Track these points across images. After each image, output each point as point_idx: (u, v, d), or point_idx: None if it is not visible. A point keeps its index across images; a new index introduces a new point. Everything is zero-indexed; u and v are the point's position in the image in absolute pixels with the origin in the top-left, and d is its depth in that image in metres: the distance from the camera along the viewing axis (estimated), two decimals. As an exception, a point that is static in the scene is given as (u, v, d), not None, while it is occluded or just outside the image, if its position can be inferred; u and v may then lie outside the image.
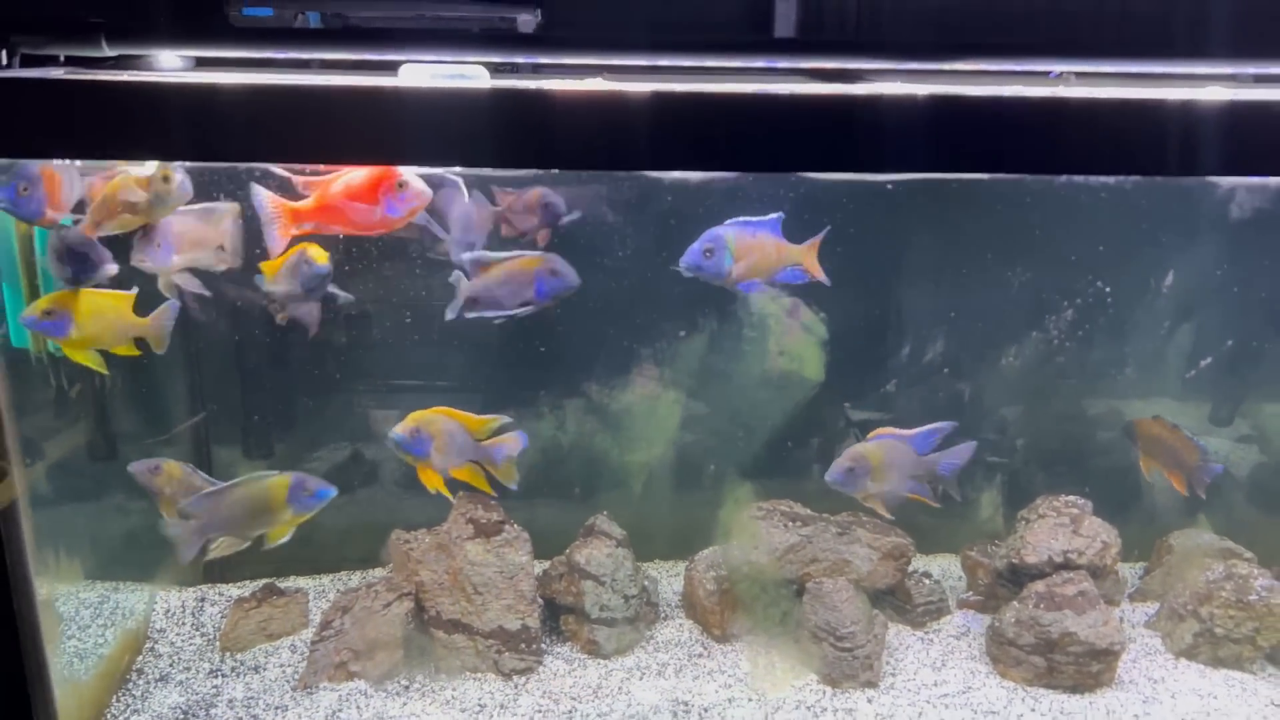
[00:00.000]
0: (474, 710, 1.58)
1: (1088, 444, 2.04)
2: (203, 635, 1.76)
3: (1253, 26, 1.88)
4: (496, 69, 1.42)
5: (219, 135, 1.26)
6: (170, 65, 1.44)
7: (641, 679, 1.65)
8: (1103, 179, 1.72)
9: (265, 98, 1.26)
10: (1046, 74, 1.53)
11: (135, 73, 1.37)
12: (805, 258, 1.48)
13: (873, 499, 1.56)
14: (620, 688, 1.63)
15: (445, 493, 1.54)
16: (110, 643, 1.66)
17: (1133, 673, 1.66)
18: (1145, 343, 1.95)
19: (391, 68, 1.36)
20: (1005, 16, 1.97)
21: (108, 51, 1.32)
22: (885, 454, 1.55)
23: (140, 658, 1.70)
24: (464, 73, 1.32)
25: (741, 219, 1.46)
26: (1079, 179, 1.71)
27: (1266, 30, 1.89)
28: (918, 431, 1.56)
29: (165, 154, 1.37)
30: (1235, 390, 2.02)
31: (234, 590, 1.88)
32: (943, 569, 1.94)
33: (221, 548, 1.48)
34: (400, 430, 1.51)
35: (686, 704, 1.58)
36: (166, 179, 1.45)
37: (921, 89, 1.33)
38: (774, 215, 1.48)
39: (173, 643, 1.75)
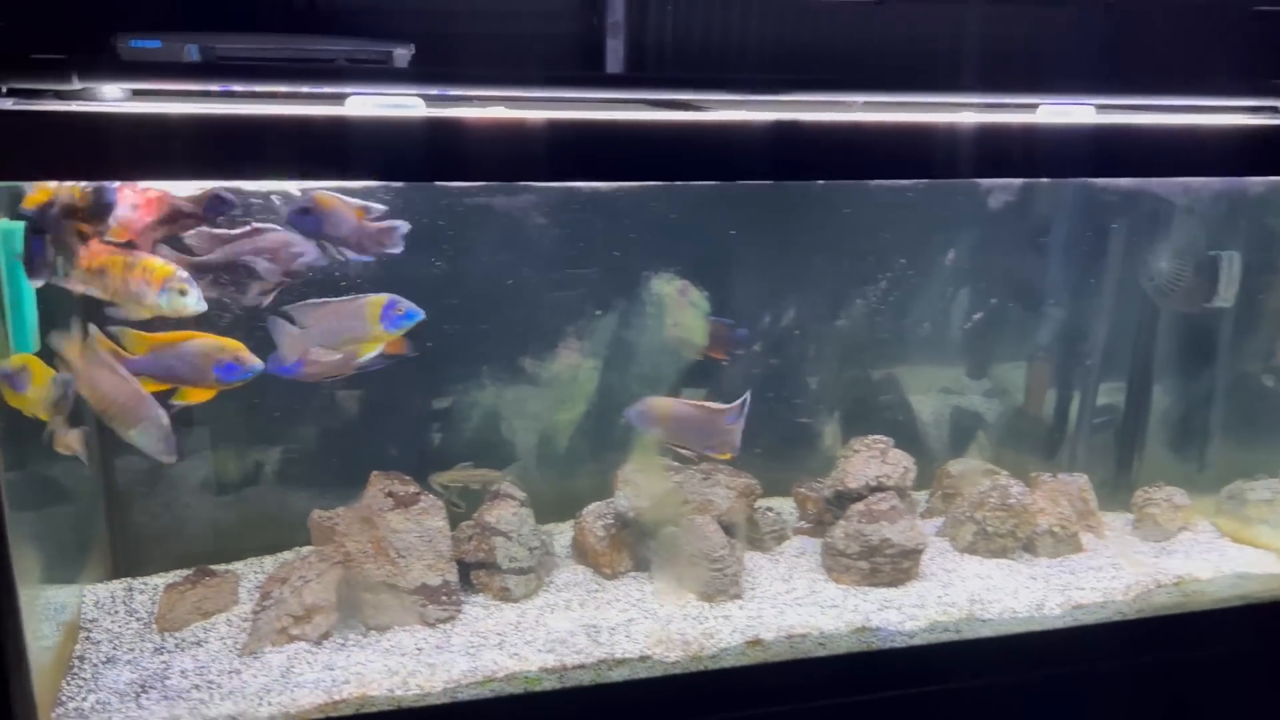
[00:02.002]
0: (413, 653, 1.81)
1: (873, 403, 2.52)
2: (138, 620, 1.88)
3: (989, 68, 2.44)
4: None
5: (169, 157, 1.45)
6: (112, 96, 1.59)
7: (553, 613, 1.94)
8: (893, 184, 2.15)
9: (225, 125, 1.46)
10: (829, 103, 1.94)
11: (90, 104, 1.52)
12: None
13: (675, 445, 1.95)
14: (537, 621, 1.91)
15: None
16: (50, 635, 1.75)
17: (932, 568, 2.13)
18: (919, 320, 2.43)
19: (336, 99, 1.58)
20: (785, 58, 2.45)
21: (77, 85, 1.48)
22: (674, 410, 1.93)
23: (78, 646, 1.81)
24: (403, 103, 1.57)
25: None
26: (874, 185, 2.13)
27: (1000, 70, 2.45)
28: (731, 406, 1.94)
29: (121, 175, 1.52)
30: (985, 352, 2.55)
31: (157, 580, 2.01)
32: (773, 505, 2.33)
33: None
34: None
35: (596, 627, 1.89)
36: (184, 292, 1.59)
37: (761, 116, 1.71)
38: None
39: (109, 630, 1.86)
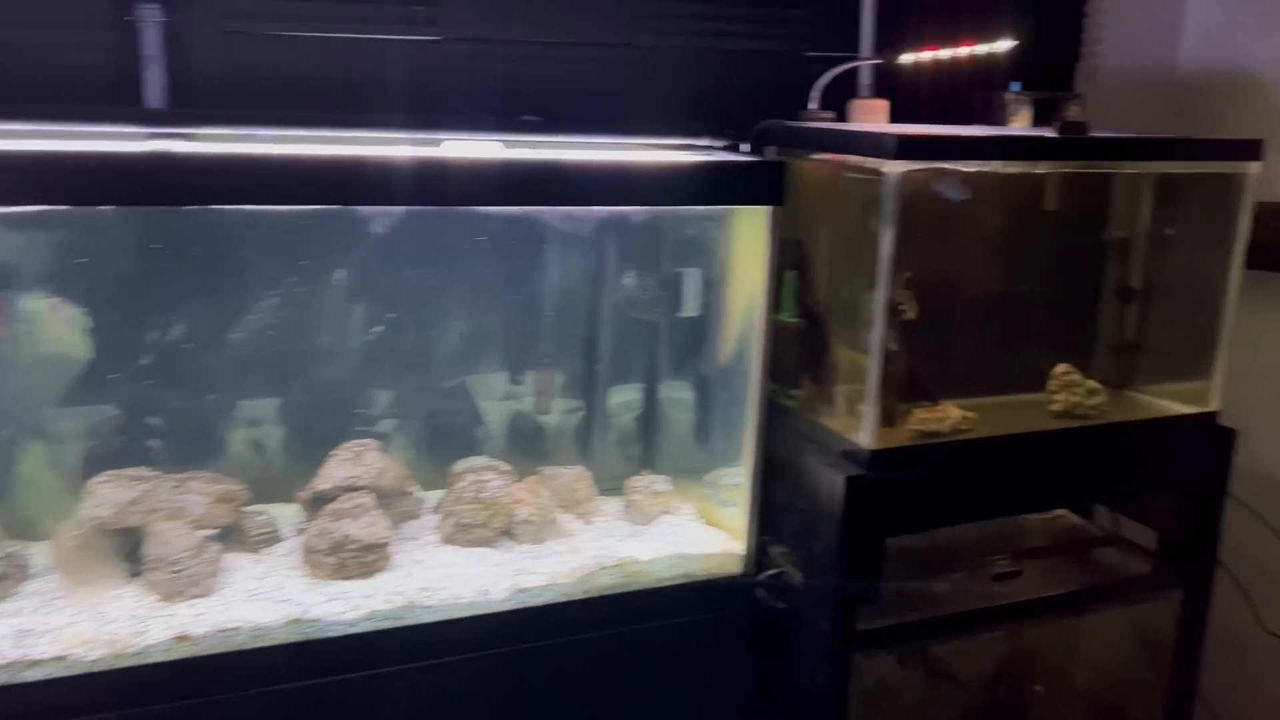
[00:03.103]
0: None
1: (439, 411, 2.70)
2: None
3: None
4: None
5: None
6: None
7: (-4, 621, 2.01)
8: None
9: None
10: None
11: None
12: None
13: None
14: (-26, 629, 1.98)
15: None
16: None
17: (404, 559, 2.30)
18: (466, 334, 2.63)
19: None
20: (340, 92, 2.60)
21: None
22: None
23: None
24: None
25: None
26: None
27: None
28: None
29: None
30: (523, 362, 2.76)
31: None
32: (295, 511, 2.46)
33: None
34: None
35: (31, 630, 1.97)
36: None
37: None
38: None
39: None
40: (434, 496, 2.55)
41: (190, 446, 2.34)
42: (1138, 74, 3.60)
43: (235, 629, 2.02)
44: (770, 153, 2.76)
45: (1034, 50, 3.40)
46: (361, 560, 2.21)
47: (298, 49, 2.85)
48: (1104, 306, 3.11)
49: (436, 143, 2.10)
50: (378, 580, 2.22)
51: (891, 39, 3.28)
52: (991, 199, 2.83)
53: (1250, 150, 2.71)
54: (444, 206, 2.08)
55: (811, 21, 3.32)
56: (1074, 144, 2.56)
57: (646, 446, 2.74)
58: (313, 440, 2.51)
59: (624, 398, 2.74)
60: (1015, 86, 3.15)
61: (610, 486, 2.66)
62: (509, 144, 2.16)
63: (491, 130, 2.45)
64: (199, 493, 2.23)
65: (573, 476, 2.54)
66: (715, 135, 2.42)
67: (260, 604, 2.10)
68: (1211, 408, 2.87)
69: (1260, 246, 2.83)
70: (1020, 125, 3.13)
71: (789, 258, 2.70)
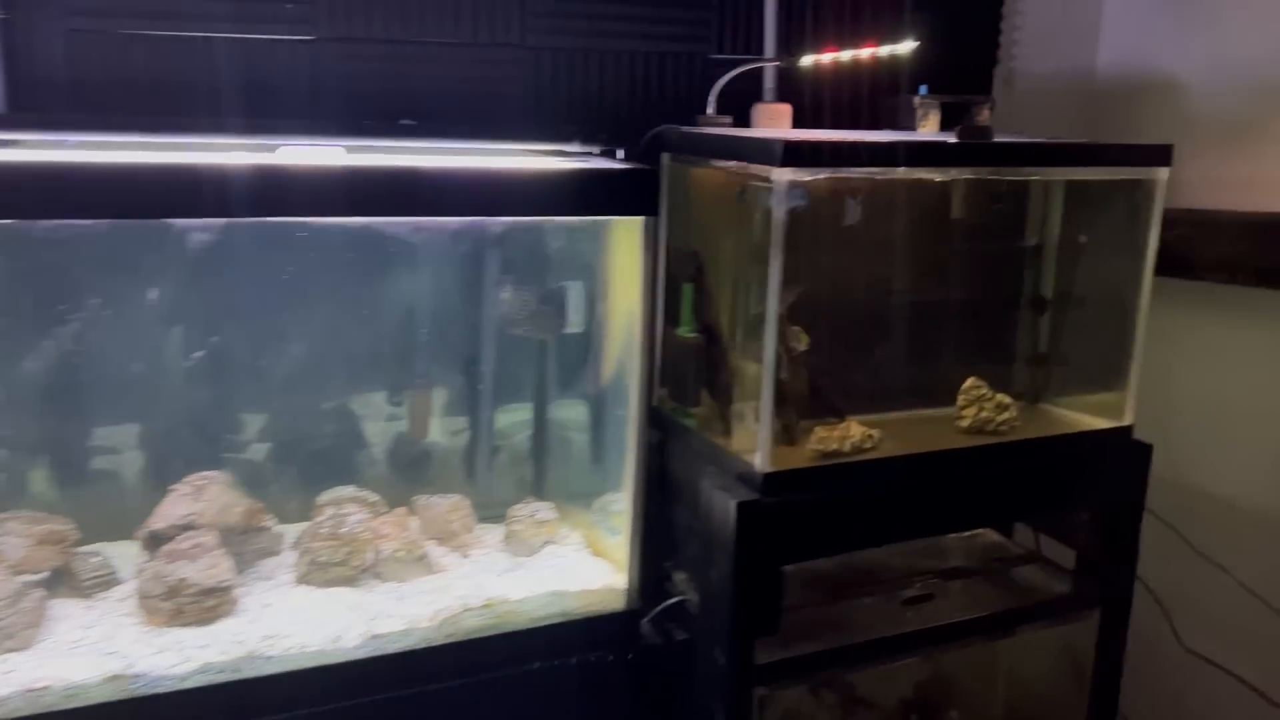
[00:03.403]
0: None
1: (306, 437, 2.51)
2: None
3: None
4: None
5: None
6: None
7: None
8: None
9: None
10: None
11: None
12: None
13: None
14: None
15: None
16: None
17: (252, 603, 2.11)
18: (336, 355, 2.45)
19: None
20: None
21: None
22: None
23: None
24: None
25: None
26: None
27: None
28: None
29: None
30: (397, 383, 2.58)
31: None
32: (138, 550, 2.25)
33: None
34: None
35: None
36: None
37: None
38: None
39: None
40: (297, 530, 2.36)
41: (10, 482, 2.14)
42: (1056, 79, 3.51)
43: (45, 688, 1.82)
44: (665, 159, 2.62)
45: (951, 54, 3.30)
46: (201, 605, 2.02)
47: (153, 49, 2.64)
48: (1015, 317, 3.00)
49: (291, 148, 1.92)
50: (218, 627, 2.03)
51: (799, 42, 3.15)
52: (896, 206, 2.70)
53: (1159, 155, 2.60)
54: (279, 217, 1.89)
55: (715, 23, 3.18)
56: (974, 149, 2.43)
57: (531, 471, 2.57)
58: (164, 471, 2.31)
59: (507, 419, 2.57)
60: (923, 90, 3.03)
61: (494, 514, 2.49)
62: (353, 149, 1.99)
63: (367, 135, 2.29)
64: (19, 534, 2.03)
65: (448, 506, 2.37)
66: (591, 140, 2.26)
67: (81, 657, 1.90)
68: (1126, 421, 2.76)
69: (1172, 253, 2.73)
70: (928, 130, 3.02)
71: (686, 270, 2.56)
